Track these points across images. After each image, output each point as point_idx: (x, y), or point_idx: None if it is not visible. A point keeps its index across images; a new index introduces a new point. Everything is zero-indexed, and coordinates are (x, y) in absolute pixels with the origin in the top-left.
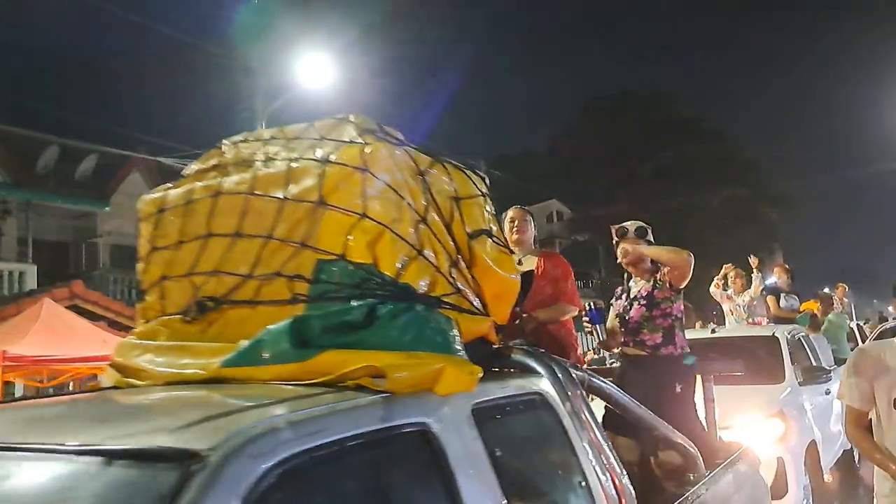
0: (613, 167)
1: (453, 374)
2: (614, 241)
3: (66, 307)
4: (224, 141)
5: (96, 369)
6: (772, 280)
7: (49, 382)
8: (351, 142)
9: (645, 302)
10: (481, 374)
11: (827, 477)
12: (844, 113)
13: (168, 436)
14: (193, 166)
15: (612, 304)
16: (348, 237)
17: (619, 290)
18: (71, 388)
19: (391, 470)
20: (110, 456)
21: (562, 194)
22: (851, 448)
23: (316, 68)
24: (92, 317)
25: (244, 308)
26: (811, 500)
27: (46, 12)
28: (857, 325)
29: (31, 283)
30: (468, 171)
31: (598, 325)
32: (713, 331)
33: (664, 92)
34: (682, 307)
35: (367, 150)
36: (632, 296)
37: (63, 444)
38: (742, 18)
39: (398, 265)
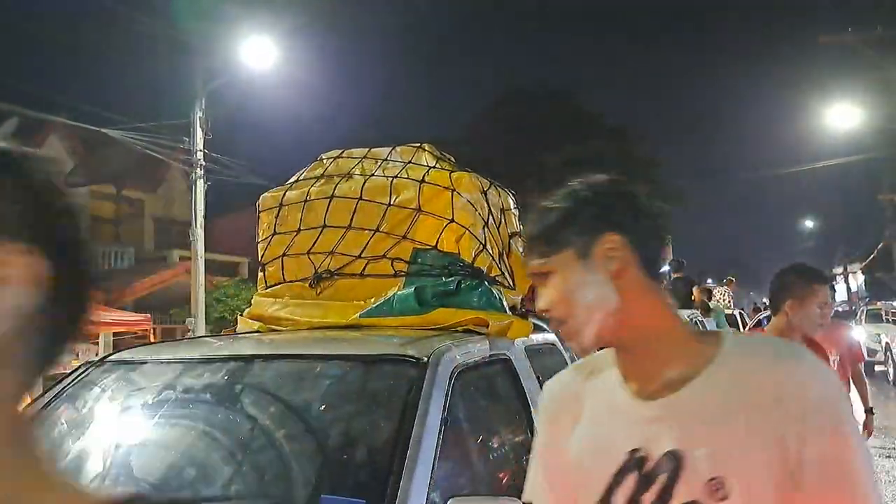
0: (524, 157)
1: (518, 325)
2: None
3: None
4: (322, 155)
5: None
6: (666, 268)
7: None
8: (435, 167)
9: None
10: (532, 328)
11: None
12: (731, 120)
13: (400, 349)
14: (302, 172)
15: None
16: (440, 234)
17: None
18: None
19: (496, 378)
20: (382, 360)
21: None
22: None
23: (258, 50)
24: None
25: (354, 279)
26: None
27: None
28: (740, 312)
29: None
30: (508, 190)
31: None
32: None
33: (573, 86)
34: None
35: (454, 176)
36: None
37: (351, 352)
38: (644, 25)
39: (473, 254)
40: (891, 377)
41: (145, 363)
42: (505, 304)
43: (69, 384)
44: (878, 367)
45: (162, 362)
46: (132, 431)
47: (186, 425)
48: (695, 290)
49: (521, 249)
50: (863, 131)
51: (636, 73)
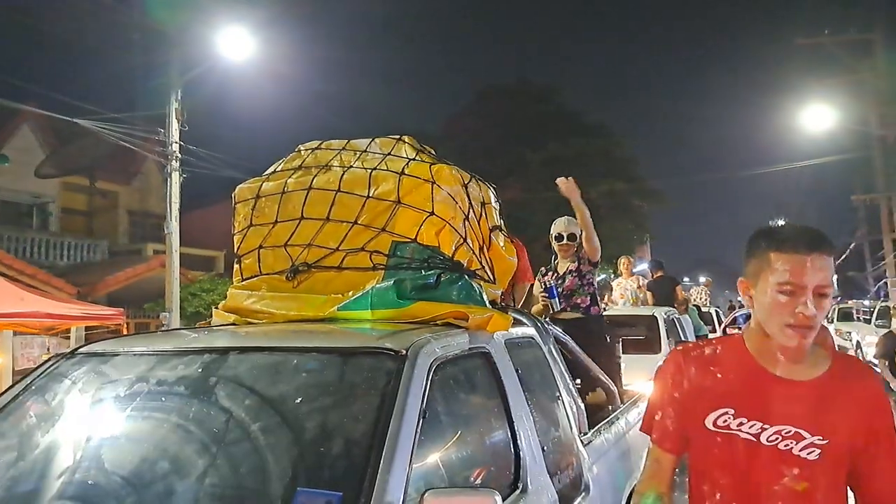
0: (506, 153)
1: (498, 319)
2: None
3: None
4: (300, 146)
5: (11, 325)
6: (644, 267)
7: None
8: (415, 159)
9: (576, 274)
10: (512, 322)
11: None
12: (709, 121)
13: (379, 342)
14: (279, 164)
15: (538, 280)
16: (419, 227)
17: (543, 269)
18: None
19: (474, 372)
20: (360, 352)
21: None
22: None
23: (234, 41)
24: None
25: (331, 272)
26: None
27: None
28: (716, 310)
29: None
30: (489, 184)
31: (553, 300)
32: (605, 309)
33: (554, 83)
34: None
35: (434, 168)
36: (560, 272)
37: (329, 345)
38: (623, 26)
39: (453, 248)
40: None
41: (117, 355)
42: (485, 297)
43: (38, 377)
44: None
45: (135, 354)
46: (104, 424)
47: (160, 418)
48: (678, 289)
49: (501, 243)
50: (837, 133)
51: (615, 73)
